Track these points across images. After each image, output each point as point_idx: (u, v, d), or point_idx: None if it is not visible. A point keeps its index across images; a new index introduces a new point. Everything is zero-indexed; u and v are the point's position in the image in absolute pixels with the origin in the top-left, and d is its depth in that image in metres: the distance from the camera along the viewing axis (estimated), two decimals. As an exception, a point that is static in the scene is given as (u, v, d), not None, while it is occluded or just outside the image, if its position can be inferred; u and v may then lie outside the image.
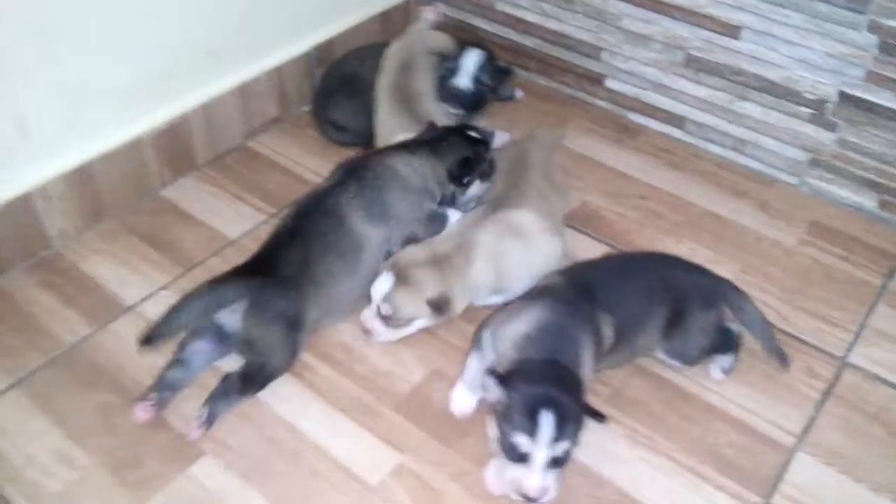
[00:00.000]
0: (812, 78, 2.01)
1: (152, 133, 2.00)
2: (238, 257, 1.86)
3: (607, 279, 1.61)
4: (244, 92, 2.16)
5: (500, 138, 2.23)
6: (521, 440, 1.33)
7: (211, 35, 2.05)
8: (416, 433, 1.58)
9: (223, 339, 1.62)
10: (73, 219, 1.92)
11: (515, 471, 1.35)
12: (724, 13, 2.06)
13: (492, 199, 1.85)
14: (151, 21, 1.90)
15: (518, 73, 2.54)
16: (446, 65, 2.17)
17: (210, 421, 1.55)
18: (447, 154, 1.86)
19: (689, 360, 1.65)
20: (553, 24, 2.39)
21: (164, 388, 1.59)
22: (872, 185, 2.05)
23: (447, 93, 2.18)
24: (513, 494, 1.37)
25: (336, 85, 2.24)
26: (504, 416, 1.35)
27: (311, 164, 2.18)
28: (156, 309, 1.78)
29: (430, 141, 1.90)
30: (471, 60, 2.17)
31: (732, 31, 2.07)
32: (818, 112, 2.04)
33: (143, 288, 1.84)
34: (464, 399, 1.60)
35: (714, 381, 1.68)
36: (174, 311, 1.58)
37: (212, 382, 1.62)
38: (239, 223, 2.00)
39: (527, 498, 1.34)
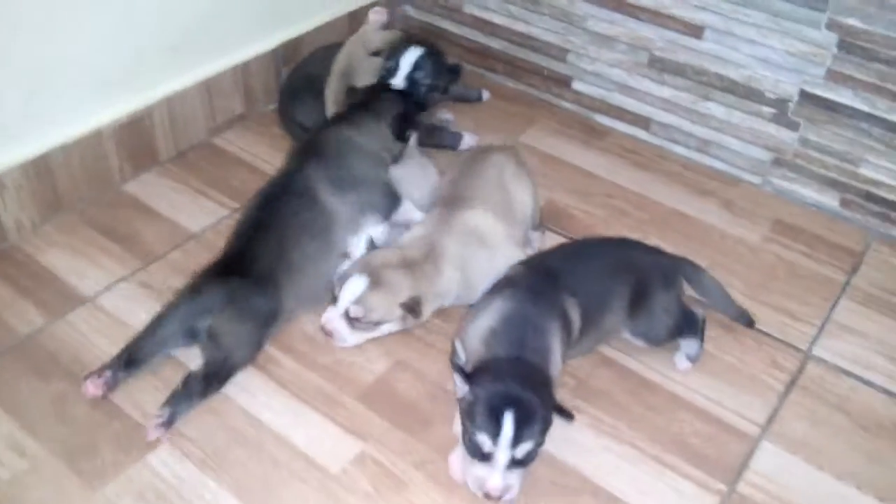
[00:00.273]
0: (773, 77, 2.03)
1: (113, 125, 1.97)
2: (200, 251, 1.86)
3: (567, 262, 1.61)
4: (209, 88, 2.15)
5: (468, 140, 2.24)
6: (483, 440, 1.32)
7: (175, 29, 2.03)
8: (379, 422, 1.56)
9: (186, 329, 1.59)
10: (31, 211, 1.88)
11: (478, 469, 1.34)
12: (687, 13, 2.08)
13: (447, 197, 1.84)
14: (114, 12, 1.88)
15: (485, 75, 2.55)
16: (386, 65, 2.12)
17: (171, 422, 1.51)
18: (384, 112, 1.92)
19: (655, 340, 1.65)
20: (520, 27, 2.41)
21: (118, 368, 1.56)
22: (834, 184, 2.07)
23: None
24: (476, 491, 1.36)
25: (302, 84, 2.23)
26: (468, 414, 1.34)
27: (277, 161, 2.14)
28: (114, 301, 1.76)
29: (364, 104, 1.94)
30: (406, 60, 2.10)
31: (695, 30, 2.09)
32: (780, 111, 2.07)
33: (102, 280, 1.80)
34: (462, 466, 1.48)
35: (678, 372, 1.67)
36: (155, 326, 1.58)
37: (167, 371, 1.60)
38: (202, 218, 1.98)
39: (488, 497, 1.34)
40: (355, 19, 2.44)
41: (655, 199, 2.13)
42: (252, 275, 1.62)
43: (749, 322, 1.75)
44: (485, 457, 1.33)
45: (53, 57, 1.81)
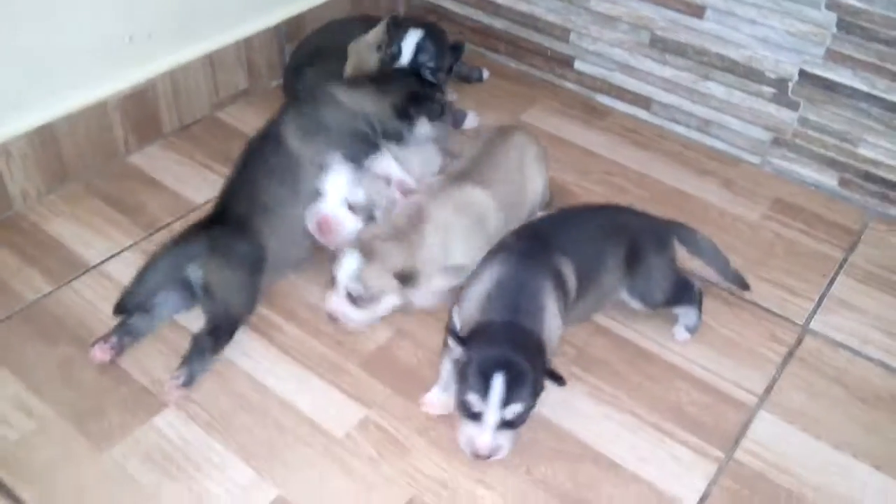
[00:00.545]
0: (773, 57, 2.05)
1: (118, 97, 1.99)
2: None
3: (558, 226, 1.63)
4: (212, 61, 2.16)
5: (471, 120, 2.25)
6: (473, 400, 1.34)
7: (179, 1, 2.04)
8: (382, 389, 1.58)
9: (187, 290, 1.62)
10: (36, 180, 1.90)
11: (469, 428, 1.37)
12: (690, -8, 2.10)
13: (458, 171, 1.85)
14: (120, -17, 1.89)
15: (488, 55, 2.57)
16: (389, 51, 2.09)
17: (188, 382, 1.53)
18: (393, 89, 1.89)
19: (652, 302, 1.67)
20: (522, 6, 2.42)
21: (124, 333, 1.58)
22: (832, 164, 2.09)
23: None
24: (466, 449, 1.39)
25: (306, 60, 2.23)
26: (461, 375, 1.37)
27: (279, 136, 2.17)
28: (119, 269, 1.78)
29: (376, 79, 1.95)
30: (408, 44, 2.06)
31: (696, 10, 2.11)
32: (780, 91, 2.08)
33: (107, 249, 1.82)
34: (441, 400, 1.54)
35: (677, 343, 1.69)
36: (142, 275, 1.59)
37: (172, 336, 1.62)
38: (205, 190, 1.99)
39: (476, 456, 1.36)
40: (358, -5, 2.46)
41: (656, 178, 2.15)
42: (230, 222, 1.67)
43: (744, 285, 1.79)
44: (475, 416, 1.35)
45: (58, 27, 1.82)
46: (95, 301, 1.70)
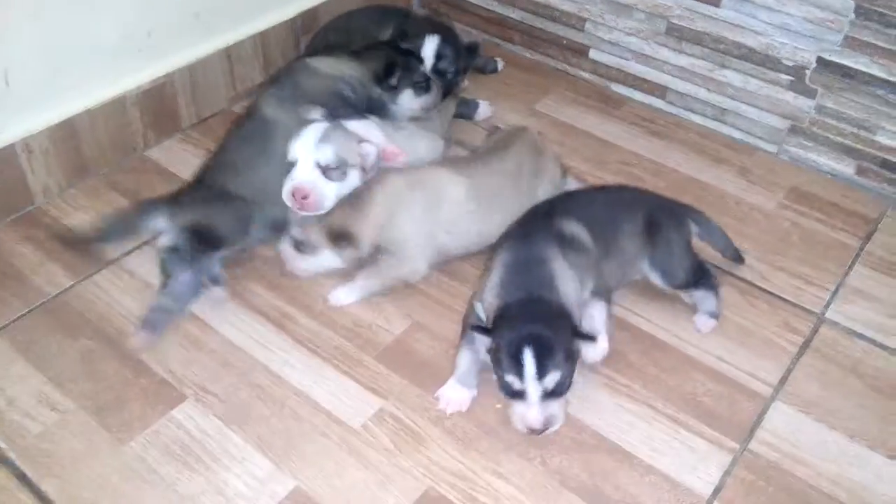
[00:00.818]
0: (791, 44, 2.04)
1: (136, 92, 2.01)
2: None
3: (562, 198, 1.71)
4: (230, 55, 2.17)
5: (484, 110, 2.25)
6: (511, 380, 1.40)
7: (197, -4, 2.06)
8: (398, 381, 1.59)
9: (203, 269, 1.67)
10: (57, 175, 1.92)
11: (518, 407, 1.42)
12: (706, -20, 2.09)
13: (447, 159, 1.89)
14: (137, -21, 1.91)
15: (503, 45, 2.57)
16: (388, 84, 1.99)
17: (171, 292, 1.63)
18: (373, 59, 1.90)
19: (674, 278, 1.67)
20: (537, -4, 2.42)
21: (155, 310, 1.62)
22: (850, 152, 2.07)
23: None
24: (521, 429, 1.43)
25: (322, 52, 2.25)
26: (495, 361, 1.42)
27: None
28: (139, 263, 1.80)
29: (356, 51, 1.95)
30: (428, 52, 2.07)
31: (713, -2, 2.10)
32: (797, 79, 2.07)
33: (126, 243, 1.83)
34: (457, 394, 1.55)
35: (693, 334, 1.69)
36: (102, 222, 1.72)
37: (192, 329, 1.66)
38: (223, 183, 2.00)
39: (532, 431, 1.41)
40: (373, -13, 2.45)
41: (672, 167, 2.15)
42: (197, 182, 1.77)
43: (740, 259, 1.83)
44: (518, 394, 1.40)
45: (77, 24, 1.84)
46: (116, 294, 1.73)
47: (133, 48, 1.97)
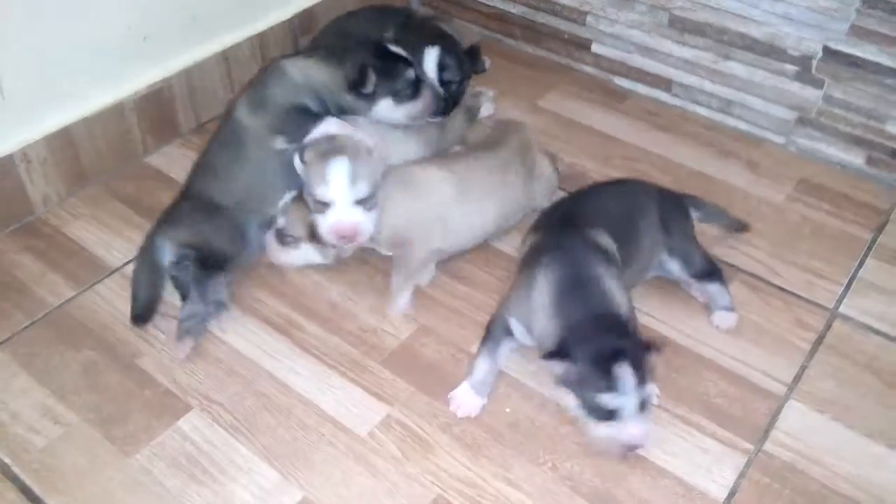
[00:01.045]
0: (796, 34, 2.00)
1: (134, 97, 1.98)
2: None
3: (576, 205, 1.67)
4: (227, 58, 2.15)
5: (486, 109, 2.21)
6: (608, 399, 1.34)
7: (193, -1, 2.04)
8: (405, 387, 1.57)
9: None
10: (56, 184, 1.90)
11: (612, 428, 1.36)
12: (709, -30, 2.06)
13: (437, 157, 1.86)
14: (133, -17, 1.88)
15: (504, 41, 2.54)
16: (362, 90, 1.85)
17: (189, 321, 1.62)
18: (350, 62, 1.73)
19: (693, 266, 1.66)
20: (538, -10, 2.39)
21: (187, 319, 1.61)
22: (859, 142, 2.04)
23: None
24: (612, 451, 1.40)
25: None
26: (579, 385, 1.37)
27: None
28: (141, 271, 1.77)
29: (335, 49, 1.82)
30: (429, 65, 1.93)
31: (717, -12, 2.07)
32: (803, 69, 2.04)
33: (128, 251, 1.81)
34: (470, 400, 1.52)
35: (704, 333, 1.67)
36: (134, 289, 1.68)
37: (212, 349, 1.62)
38: (224, 188, 1.98)
39: (634, 447, 1.38)
40: (372, -14, 2.42)
41: (678, 161, 2.11)
42: (188, 196, 1.75)
43: (744, 226, 1.85)
44: (612, 414, 1.35)
45: (74, 30, 1.81)
46: (118, 304, 1.70)
47: (130, 53, 1.95)
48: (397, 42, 1.95)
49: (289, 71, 1.75)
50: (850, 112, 2.02)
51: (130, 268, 1.77)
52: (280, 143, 1.71)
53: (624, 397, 1.33)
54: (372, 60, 1.73)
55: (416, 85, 1.78)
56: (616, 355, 1.33)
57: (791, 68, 2.05)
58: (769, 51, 2.06)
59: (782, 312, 1.72)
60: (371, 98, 1.75)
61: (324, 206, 1.60)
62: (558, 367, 1.38)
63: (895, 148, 2.00)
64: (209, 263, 1.64)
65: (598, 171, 2.07)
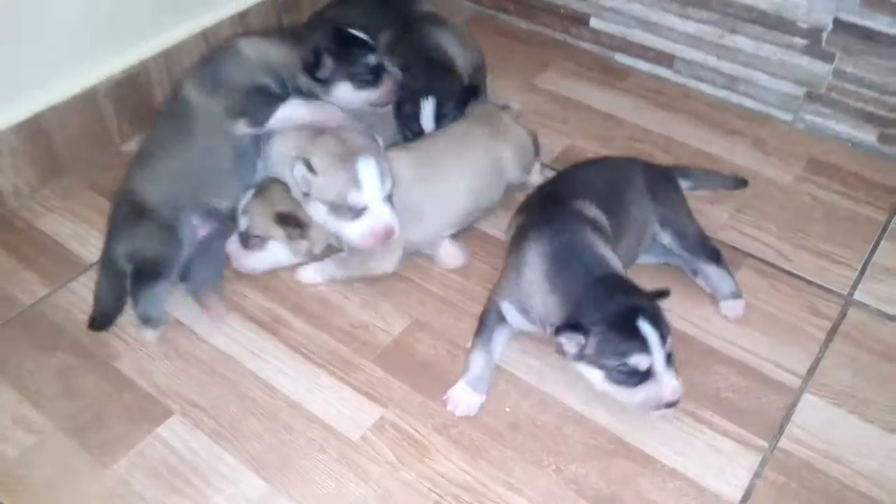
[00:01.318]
0: (805, 5, 1.91)
1: (108, 83, 1.89)
2: None
3: (561, 182, 1.63)
4: (207, 39, 2.04)
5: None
6: (638, 359, 1.30)
7: (170, -24, 1.93)
8: (399, 386, 1.48)
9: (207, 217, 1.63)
10: (28, 175, 1.81)
11: (644, 389, 1.32)
12: (713, -61, 1.96)
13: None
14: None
15: (498, 17, 2.44)
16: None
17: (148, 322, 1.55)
18: (307, 44, 1.66)
19: (686, 238, 1.61)
20: (533, -37, 2.29)
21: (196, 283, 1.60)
22: (871, 118, 1.95)
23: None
24: (651, 411, 1.35)
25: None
26: (602, 353, 1.31)
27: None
28: (118, 266, 1.68)
29: (294, 31, 1.76)
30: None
31: (721, -42, 1.97)
32: (813, 42, 1.94)
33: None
34: (468, 398, 1.44)
35: (715, 325, 1.59)
36: (97, 294, 1.59)
37: (177, 338, 1.54)
38: (206, 176, 1.89)
39: (670, 405, 1.33)
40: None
41: (681, 141, 2.03)
42: (125, 185, 1.62)
43: (742, 182, 1.82)
44: (645, 375, 1.31)
45: (40, 12, 1.71)
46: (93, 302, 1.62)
47: (100, 35, 1.85)
48: (392, 49, 1.88)
49: (244, 50, 1.64)
50: (862, 87, 1.93)
51: (106, 263, 1.69)
52: (242, 127, 1.61)
53: (655, 354, 1.29)
54: (329, 44, 1.66)
55: (377, 71, 1.71)
56: (635, 313, 1.29)
57: (800, 41, 1.96)
58: (777, 23, 1.97)
59: (794, 300, 1.64)
60: (327, 82, 1.67)
61: (356, 211, 1.51)
62: (571, 342, 1.32)
63: (909, 124, 1.91)
64: (144, 275, 1.54)
65: (597, 152, 1.97)
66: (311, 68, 1.64)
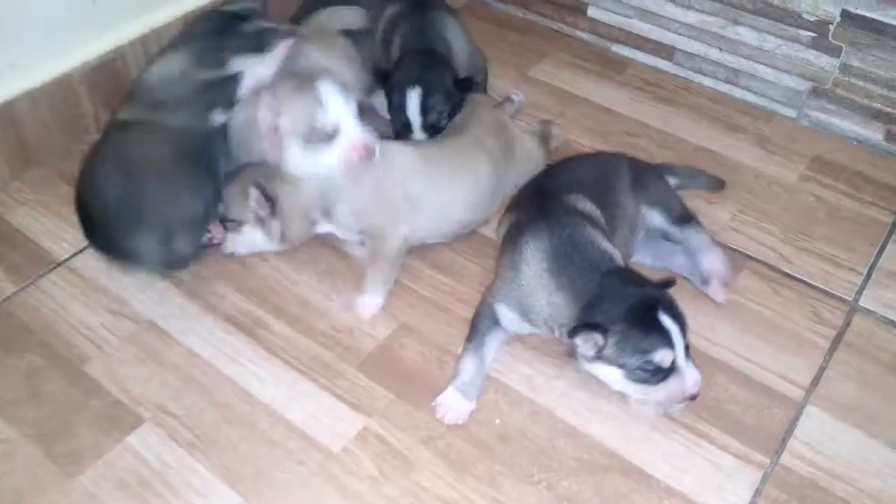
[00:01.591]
0: (813, -4, 1.84)
1: (84, 68, 1.80)
2: None
3: (550, 177, 1.58)
4: (189, 22, 1.95)
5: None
6: (663, 355, 1.25)
7: (148, -42, 1.85)
8: (383, 394, 1.41)
9: None
10: (-3, 166, 1.73)
11: (664, 388, 1.29)
12: (717, -74, 1.89)
13: None
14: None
15: (493, 5, 2.36)
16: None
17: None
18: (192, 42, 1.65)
19: (673, 210, 1.59)
20: (529, -52, 2.21)
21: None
22: (878, 115, 1.89)
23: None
24: (668, 408, 1.34)
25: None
26: (624, 351, 1.26)
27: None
28: (90, 264, 1.63)
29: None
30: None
31: (726, -54, 1.90)
32: (819, 35, 1.88)
33: (77, 241, 1.64)
34: (458, 405, 1.37)
35: (714, 332, 1.52)
36: None
37: (150, 340, 1.47)
38: (186, 168, 1.81)
39: (692, 397, 1.30)
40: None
41: (680, 136, 1.96)
42: None
43: (721, 183, 1.79)
44: (668, 371, 1.27)
45: (10, -7, 1.63)
46: (64, 301, 1.54)
47: (78, 18, 1.76)
48: (396, 24, 1.85)
49: (147, 79, 1.61)
50: (869, 83, 1.87)
51: (79, 261, 1.61)
52: (218, 115, 1.60)
53: (676, 348, 1.26)
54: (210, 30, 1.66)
55: (260, 35, 1.66)
56: (654, 306, 1.25)
57: (806, 34, 1.89)
58: (782, 15, 1.90)
59: (797, 305, 1.58)
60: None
61: (328, 135, 1.49)
62: (588, 342, 1.27)
63: (918, 122, 1.85)
64: None
65: (593, 146, 1.91)
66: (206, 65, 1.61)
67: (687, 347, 1.28)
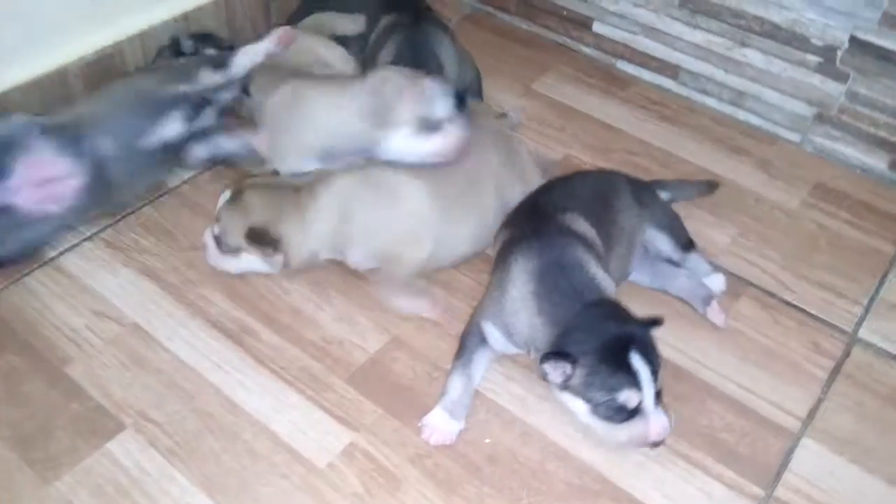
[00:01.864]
0: (821, 21, 1.81)
1: (80, 63, 1.77)
2: (176, 206, 1.71)
3: (545, 194, 1.54)
4: (188, 21, 1.93)
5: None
6: (628, 396, 1.22)
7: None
8: (372, 409, 1.38)
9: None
10: (-14, 160, 1.69)
11: (629, 428, 1.25)
12: (728, -53, 1.86)
13: None
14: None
15: (497, 15, 2.33)
16: None
17: None
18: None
19: (681, 237, 1.58)
20: (536, -39, 2.18)
21: None
22: (883, 144, 1.87)
23: None
24: (635, 448, 1.29)
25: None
26: (589, 385, 1.24)
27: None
28: (77, 263, 1.59)
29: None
30: None
31: (735, -33, 1.87)
32: (826, 60, 1.85)
33: (64, 239, 1.61)
34: (445, 426, 1.34)
35: (710, 358, 1.49)
36: None
37: (133, 343, 1.43)
38: (180, 170, 1.77)
39: (657, 444, 1.26)
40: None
41: (683, 157, 1.93)
42: None
43: (714, 185, 1.79)
44: (633, 412, 1.24)
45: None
46: (48, 300, 1.51)
47: (75, 13, 1.73)
48: (389, 34, 1.84)
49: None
50: (875, 111, 1.84)
51: (64, 259, 1.57)
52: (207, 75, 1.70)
53: (644, 390, 1.22)
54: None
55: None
56: (627, 345, 1.22)
57: (813, 59, 1.87)
58: (790, 38, 1.87)
59: (796, 335, 1.55)
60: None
61: (434, 127, 1.53)
62: (557, 370, 1.24)
63: (923, 152, 1.82)
64: None
65: (594, 163, 1.88)
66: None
67: (659, 393, 1.24)
